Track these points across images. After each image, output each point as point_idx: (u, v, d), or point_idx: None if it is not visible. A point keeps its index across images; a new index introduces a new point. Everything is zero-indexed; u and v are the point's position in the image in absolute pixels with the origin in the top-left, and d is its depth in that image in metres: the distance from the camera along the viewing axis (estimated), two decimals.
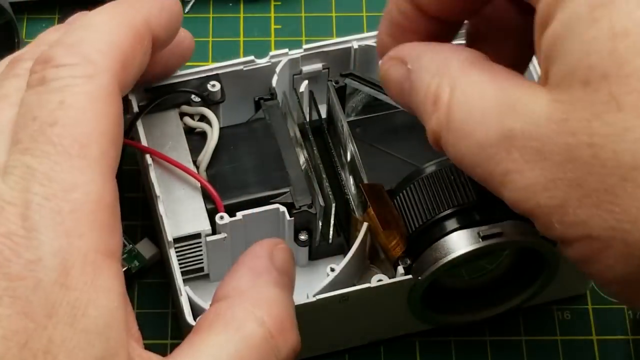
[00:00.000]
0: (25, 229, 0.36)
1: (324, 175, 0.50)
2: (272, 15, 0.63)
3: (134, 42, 0.42)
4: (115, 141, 0.39)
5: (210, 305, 0.42)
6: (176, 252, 0.48)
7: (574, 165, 0.35)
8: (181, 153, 0.50)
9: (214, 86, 0.52)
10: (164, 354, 0.39)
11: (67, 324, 0.36)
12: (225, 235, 0.48)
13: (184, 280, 0.47)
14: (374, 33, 0.53)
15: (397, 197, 0.49)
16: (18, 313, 0.35)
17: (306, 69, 0.54)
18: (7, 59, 0.43)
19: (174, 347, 0.40)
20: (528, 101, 0.37)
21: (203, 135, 0.51)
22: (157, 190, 0.49)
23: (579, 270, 0.38)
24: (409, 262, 0.48)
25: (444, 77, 0.40)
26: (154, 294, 0.54)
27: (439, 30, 0.44)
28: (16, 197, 0.37)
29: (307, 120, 0.53)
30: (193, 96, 0.51)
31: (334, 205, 0.50)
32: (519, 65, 0.44)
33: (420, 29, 0.44)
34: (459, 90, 0.39)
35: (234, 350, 0.39)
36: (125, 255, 0.53)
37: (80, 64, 0.39)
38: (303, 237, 0.51)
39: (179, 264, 0.48)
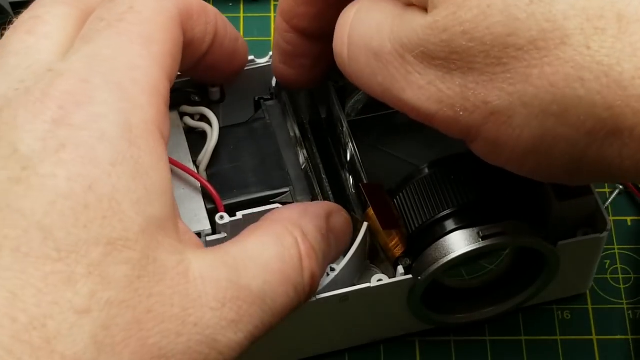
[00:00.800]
0: (87, 89, 0.37)
1: (324, 175, 0.50)
2: (272, 15, 0.63)
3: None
4: (175, 56, 0.41)
5: None
6: None
7: (459, 55, 0.38)
8: (181, 153, 0.50)
9: (214, 86, 0.52)
10: None
11: (131, 177, 0.36)
12: (226, 235, 0.48)
13: None
14: None
15: (397, 197, 0.49)
16: (82, 158, 0.35)
17: None
18: None
19: None
20: (412, 16, 0.40)
21: (203, 135, 0.51)
22: None
23: (492, 161, 0.41)
24: (409, 262, 0.48)
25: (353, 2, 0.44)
26: None
27: (325, 48, 0.47)
28: (77, 67, 0.38)
29: (307, 120, 0.53)
30: (193, 96, 0.51)
31: None
32: None
33: (307, 52, 0.49)
34: (362, 9, 0.43)
35: (275, 253, 0.41)
36: None
37: None
38: None
39: None
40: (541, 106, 0.38)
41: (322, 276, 0.45)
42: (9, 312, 0.33)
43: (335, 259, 0.47)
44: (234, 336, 0.38)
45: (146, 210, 0.36)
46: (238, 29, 0.63)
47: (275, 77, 0.52)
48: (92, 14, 0.41)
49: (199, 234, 0.49)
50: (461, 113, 0.39)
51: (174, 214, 0.38)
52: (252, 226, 0.44)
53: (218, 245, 0.41)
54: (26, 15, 0.42)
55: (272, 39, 0.62)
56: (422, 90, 0.40)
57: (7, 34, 0.41)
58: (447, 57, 0.39)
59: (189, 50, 0.43)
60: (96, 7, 0.41)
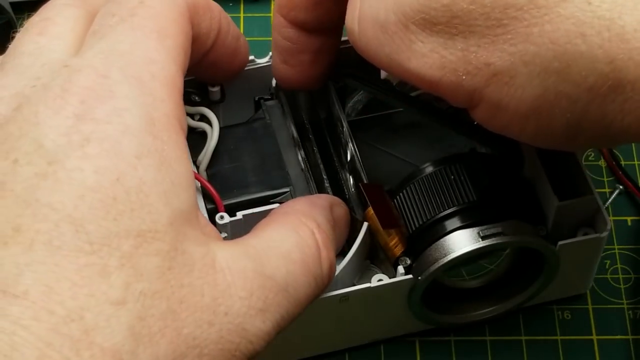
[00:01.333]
0: (107, 84, 0.37)
1: (324, 176, 0.50)
2: (272, 15, 0.63)
3: None
4: (182, 60, 0.40)
5: None
6: None
7: (460, 19, 0.39)
8: None
9: (214, 86, 0.52)
10: None
11: (157, 169, 0.36)
12: (226, 234, 0.48)
13: None
14: None
15: (397, 197, 0.49)
16: (107, 151, 0.36)
17: None
18: None
19: None
20: None
21: (203, 135, 0.51)
22: None
23: (494, 126, 0.41)
24: (409, 262, 0.48)
25: None
26: None
27: (324, 42, 0.49)
28: (94, 62, 0.38)
29: (307, 120, 0.53)
30: (193, 96, 0.51)
31: None
32: None
33: (307, 47, 0.49)
34: None
35: (295, 243, 0.42)
36: None
37: None
38: None
39: None
40: (542, 64, 0.38)
41: (335, 259, 0.45)
42: (45, 305, 0.33)
43: (337, 252, 0.48)
44: (262, 325, 0.39)
45: (173, 203, 0.37)
46: (238, 29, 0.63)
47: (276, 79, 0.52)
48: (100, 12, 0.41)
49: None
50: (464, 77, 0.40)
51: (197, 206, 0.39)
52: (265, 220, 0.44)
53: (238, 238, 0.41)
54: (36, 17, 0.42)
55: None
56: (426, 58, 0.40)
57: (18, 36, 0.41)
58: (448, 21, 0.39)
59: (194, 45, 0.43)
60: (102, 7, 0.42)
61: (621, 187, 0.58)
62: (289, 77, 0.51)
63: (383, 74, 0.53)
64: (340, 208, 0.48)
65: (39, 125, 0.36)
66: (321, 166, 0.51)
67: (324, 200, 0.47)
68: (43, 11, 0.42)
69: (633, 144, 0.59)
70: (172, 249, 0.36)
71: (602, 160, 0.59)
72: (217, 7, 0.45)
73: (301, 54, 0.50)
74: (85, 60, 0.38)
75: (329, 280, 0.44)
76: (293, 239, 0.42)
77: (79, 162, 0.35)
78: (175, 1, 0.41)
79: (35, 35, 0.40)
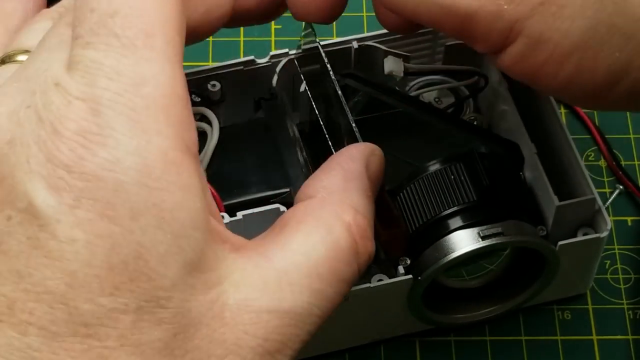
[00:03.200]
0: (98, 126, 0.33)
1: None
2: None
3: None
4: (180, 28, 0.36)
5: (297, 201, 0.41)
6: None
7: None
8: None
9: (214, 86, 0.52)
10: None
11: (155, 227, 0.33)
12: None
13: None
14: (374, 33, 0.53)
15: (397, 197, 0.49)
16: (100, 216, 0.33)
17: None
18: None
19: None
20: None
21: (203, 135, 0.51)
22: None
23: (526, 68, 0.39)
24: (409, 262, 0.48)
25: None
26: None
27: None
28: (84, 92, 0.34)
29: (307, 120, 0.53)
30: (193, 96, 0.51)
31: None
32: None
33: None
34: None
35: (325, 251, 0.38)
36: None
37: None
38: None
39: None
40: None
41: (373, 241, 0.41)
42: None
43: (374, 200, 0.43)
44: None
45: (177, 260, 0.34)
46: (238, 29, 0.63)
47: (290, 8, 0.46)
48: (77, 25, 0.37)
49: None
50: (505, 7, 0.37)
51: (210, 244, 0.35)
52: (297, 216, 0.39)
53: (261, 242, 0.38)
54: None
55: (272, 38, 0.62)
56: None
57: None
58: None
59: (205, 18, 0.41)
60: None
61: (621, 187, 0.58)
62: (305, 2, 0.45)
63: (387, 69, 0.53)
64: (375, 157, 0.43)
65: (30, 174, 0.33)
66: None
67: (358, 162, 0.42)
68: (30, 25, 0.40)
69: (633, 144, 0.59)
70: (177, 313, 0.34)
71: (602, 160, 0.59)
72: None
73: None
74: (74, 83, 0.34)
75: (364, 269, 0.40)
76: (324, 245, 0.38)
77: (71, 231, 0.33)
78: None
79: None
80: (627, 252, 0.56)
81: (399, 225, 0.48)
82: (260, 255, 0.37)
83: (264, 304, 0.36)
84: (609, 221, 0.50)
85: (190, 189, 0.35)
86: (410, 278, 0.48)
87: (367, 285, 0.48)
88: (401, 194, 0.49)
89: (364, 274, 0.40)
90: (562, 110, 0.60)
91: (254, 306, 0.35)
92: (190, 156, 0.35)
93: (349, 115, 0.49)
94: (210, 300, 0.35)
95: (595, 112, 0.60)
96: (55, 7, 0.41)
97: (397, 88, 0.53)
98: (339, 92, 0.51)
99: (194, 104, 0.52)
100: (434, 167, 0.49)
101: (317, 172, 0.42)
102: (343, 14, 0.45)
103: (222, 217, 0.48)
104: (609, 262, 0.56)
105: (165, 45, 0.35)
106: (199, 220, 0.35)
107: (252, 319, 0.35)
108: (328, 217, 0.39)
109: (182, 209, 0.34)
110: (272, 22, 0.63)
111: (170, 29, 0.36)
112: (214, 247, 0.36)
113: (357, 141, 0.50)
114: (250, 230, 0.49)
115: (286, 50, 0.53)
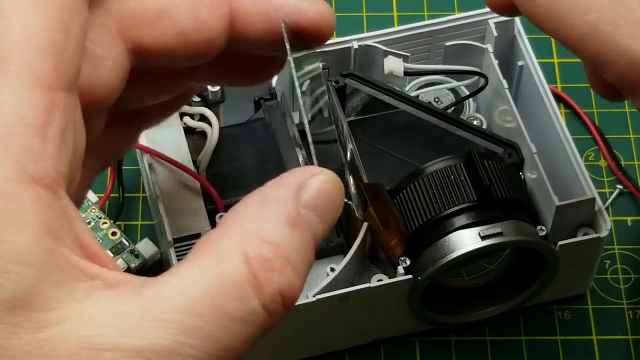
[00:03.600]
0: None
1: None
2: None
3: None
4: (54, 48, 0.33)
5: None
6: (176, 252, 0.48)
7: None
8: (181, 153, 0.50)
9: (214, 86, 0.52)
10: None
11: None
12: None
13: None
14: (374, 33, 0.53)
15: (397, 197, 0.49)
16: None
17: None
18: None
19: None
20: None
21: (203, 135, 0.51)
22: (158, 190, 0.49)
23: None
24: (409, 262, 0.48)
25: None
26: None
27: None
28: None
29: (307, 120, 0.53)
30: (193, 96, 0.51)
31: None
32: None
33: None
34: None
35: (206, 285, 0.34)
36: (125, 255, 0.53)
37: None
38: None
39: None
40: None
41: (305, 277, 0.36)
42: None
43: (327, 235, 0.38)
44: None
45: None
46: None
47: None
48: None
49: (199, 234, 0.49)
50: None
51: (46, 281, 0.32)
52: (194, 245, 0.36)
53: (153, 277, 0.34)
54: None
55: None
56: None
57: None
58: None
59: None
60: None
61: (621, 187, 0.58)
62: None
63: (387, 69, 0.53)
64: (316, 181, 0.37)
65: None
66: None
67: (285, 189, 0.37)
68: None
69: (633, 144, 0.59)
70: None
71: (602, 160, 0.59)
72: None
73: None
74: None
75: (286, 305, 0.35)
76: (206, 278, 0.34)
77: None
78: None
79: None
80: (627, 252, 0.56)
81: (398, 225, 0.48)
82: (133, 289, 0.34)
83: (110, 341, 0.33)
84: (608, 221, 0.50)
85: (21, 222, 0.32)
86: (410, 278, 0.48)
87: (367, 285, 0.48)
88: (401, 194, 0.49)
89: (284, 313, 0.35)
90: (562, 110, 0.60)
91: (94, 343, 0.32)
92: (34, 188, 0.32)
93: (344, 120, 0.49)
94: (41, 339, 0.32)
95: (595, 112, 0.60)
96: None
97: (397, 88, 0.53)
98: (334, 98, 0.51)
99: (194, 104, 0.52)
100: (434, 167, 0.49)
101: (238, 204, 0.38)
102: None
103: (222, 217, 0.48)
104: (609, 262, 0.56)
105: (22, 69, 0.33)
106: (28, 255, 0.32)
107: (90, 357, 0.32)
108: (223, 247, 0.35)
109: (4, 243, 0.32)
110: None
111: (35, 51, 0.33)
112: (60, 284, 0.33)
113: (354, 144, 0.50)
114: None
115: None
